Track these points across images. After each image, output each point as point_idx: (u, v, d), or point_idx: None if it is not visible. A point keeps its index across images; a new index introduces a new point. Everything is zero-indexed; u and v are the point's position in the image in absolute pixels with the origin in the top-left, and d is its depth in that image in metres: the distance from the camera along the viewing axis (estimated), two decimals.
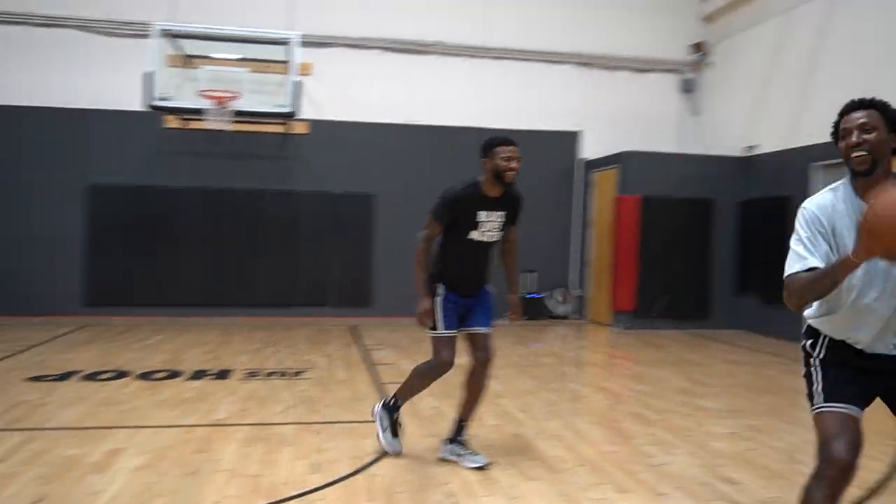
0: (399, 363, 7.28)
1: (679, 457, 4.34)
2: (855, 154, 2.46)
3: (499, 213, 4.22)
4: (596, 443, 4.60)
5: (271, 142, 10.87)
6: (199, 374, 6.48)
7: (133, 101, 9.82)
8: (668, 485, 3.83)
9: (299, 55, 9.56)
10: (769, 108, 10.24)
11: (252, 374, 6.54)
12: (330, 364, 7.16)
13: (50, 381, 6.08)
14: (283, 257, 10.74)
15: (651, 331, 10.13)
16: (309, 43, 10.44)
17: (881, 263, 2.37)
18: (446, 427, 4.86)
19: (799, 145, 9.39)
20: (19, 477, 3.74)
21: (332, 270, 10.85)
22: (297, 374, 6.63)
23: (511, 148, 4.19)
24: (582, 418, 5.23)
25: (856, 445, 2.41)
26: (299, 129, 10.84)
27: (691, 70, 12.09)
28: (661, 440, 4.69)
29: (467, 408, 4.26)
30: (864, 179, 2.44)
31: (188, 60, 10.24)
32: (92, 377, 6.26)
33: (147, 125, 10.39)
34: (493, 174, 4.16)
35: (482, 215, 4.16)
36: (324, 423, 4.97)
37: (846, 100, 2.68)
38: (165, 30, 9.28)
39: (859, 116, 2.52)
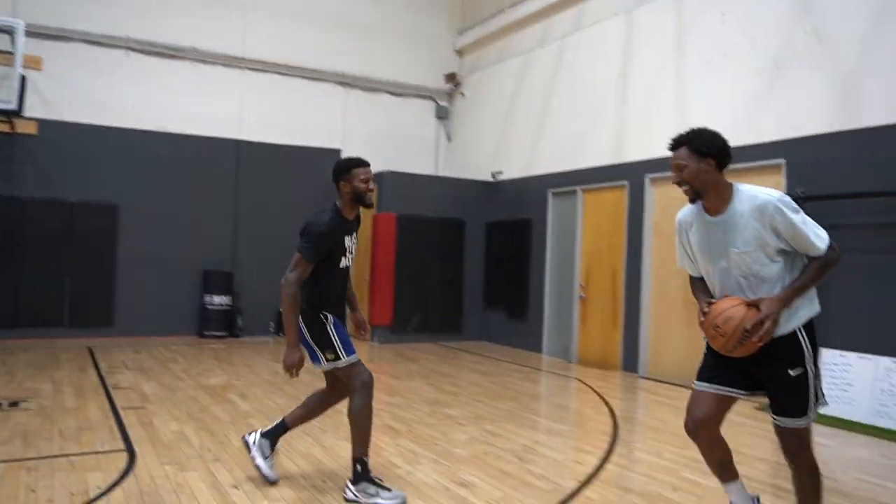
0: (140, 386, 6.75)
1: (423, 465, 4.54)
2: (682, 189, 3.02)
3: (355, 235, 4.12)
4: (343, 458, 4.64)
5: None
6: None
7: None
8: (409, 493, 3.98)
9: (26, 46, 8.57)
10: (512, 137, 11.24)
11: None
12: (56, 391, 6.40)
13: None
14: (3, 271, 9.44)
15: (407, 344, 10.52)
16: (39, 34, 9.45)
17: (732, 273, 3.01)
18: (187, 452, 4.64)
19: (537, 173, 10.41)
20: None
21: (67, 286, 9.77)
22: (14, 404, 5.84)
23: (367, 169, 4.04)
24: (333, 433, 5.25)
25: (706, 417, 3.04)
26: (27, 128, 9.63)
27: (445, 98, 12.86)
28: (408, 450, 4.88)
29: (300, 421, 4.23)
30: (703, 200, 3.03)
31: None
32: None
33: None
34: (352, 197, 3.99)
35: (347, 241, 4.03)
36: (42, 458, 4.43)
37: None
38: None
39: (673, 157, 3.05)
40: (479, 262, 11.46)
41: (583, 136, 9.59)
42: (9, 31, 8.59)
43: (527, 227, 10.46)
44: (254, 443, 4.09)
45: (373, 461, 4.11)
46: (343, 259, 4.02)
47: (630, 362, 8.50)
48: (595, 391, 7.39)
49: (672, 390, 7.50)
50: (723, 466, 3.16)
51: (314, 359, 3.99)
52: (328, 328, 3.92)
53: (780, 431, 2.98)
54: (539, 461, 4.73)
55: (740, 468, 3.29)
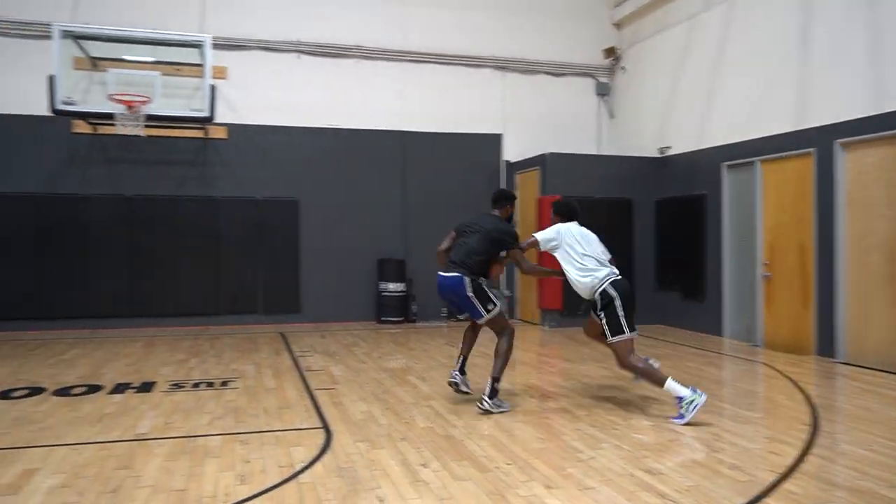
0: (329, 369, 7.22)
1: (605, 450, 4.47)
2: None
3: None
4: (525, 441, 4.68)
5: (189, 147, 10.59)
6: (120, 388, 6.24)
7: (37, 107, 9.40)
8: (593, 478, 3.94)
9: (213, 58, 9.36)
10: (679, 110, 10.68)
11: (177, 386, 6.35)
12: (258, 372, 7.02)
13: None
14: (206, 265, 10.48)
15: (578, 328, 10.33)
16: (223, 45, 10.26)
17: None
18: (377, 431, 4.88)
19: (709, 146, 9.83)
20: None
21: (259, 277, 10.66)
22: (224, 383, 6.48)
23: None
24: (512, 417, 5.31)
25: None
26: (218, 133, 10.61)
27: (605, 74, 12.47)
28: (588, 434, 4.82)
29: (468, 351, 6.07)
30: None
31: (96, 63, 9.86)
32: (3, 396, 5.94)
33: (54, 131, 9.96)
34: (507, 216, 6.19)
35: None
36: (251, 432, 4.87)
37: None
38: (67, 31, 8.91)
39: None
40: (649, 242, 11.04)
41: (759, 103, 8.91)
42: (198, 46, 9.45)
43: (700, 203, 9.93)
44: (491, 405, 5.38)
45: (552, 444, 4.38)
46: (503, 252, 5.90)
47: (825, 346, 7.81)
48: (787, 376, 6.88)
49: (877, 377, 6.82)
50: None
51: (476, 314, 5.59)
52: (486, 289, 5.59)
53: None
54: (729, 450, 4.49)
55: None
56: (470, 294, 5.49)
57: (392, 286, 10.87)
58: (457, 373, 5.87)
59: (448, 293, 5.63)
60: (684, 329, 10.19)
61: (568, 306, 10.56)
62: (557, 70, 12.23)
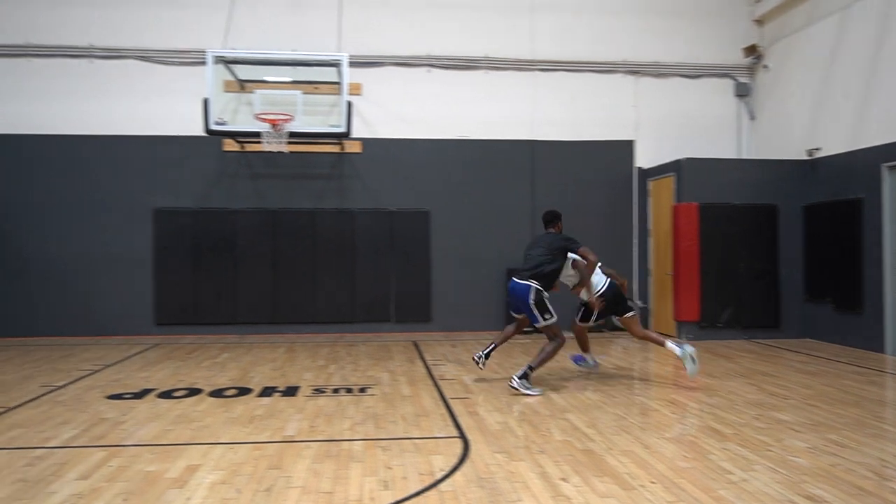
0: (462, 378, 7.27)
1: (758, 473, 4.20)
2: None
3: None
4: (669, 459, 4.49)
5: (326, 161, 11.07)
6: (267, 391, 6.60)
7: (193, 127, 10.18)
8: (748, 502, 3.71)
9: (349, 75, 9.73)
10: (830, 108, 9.94)
11: (318, 391, 6.62)
12: (393, 380, 7.20)
13: (128, 399, 6.28)
14: (341, 274, 10.89)
15: (718, 341, 9.89)
16: (358, 63, 10.64)
17: None
18: (514, 442, 4.85)
19: (866, 146, 9.08)
20: (103, 493, 3.86)
21: (392, 286, 10.95)
22: (362, 390, 6.69)
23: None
24: (652, 433, 5.11)
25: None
26: (353, 147, 11.02)
27: (746, 74, 11.83)
28: (738, 455, 4.55)
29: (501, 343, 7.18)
30: None
31: (243, 85, 10.55)
32: (167, 395, 6.44)
33: (207, 149, 10.74)
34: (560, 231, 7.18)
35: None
36: (391, 439, 4.99)
37: None
38: (219, 56, 9.55)
39: None
40: (797, 251, 10.33)
41: None
42: (335, 65, 9.86)
43: (856, 207, 9.17)
44: (519, 385, 6.41)
45: (699, 464, 4.21)
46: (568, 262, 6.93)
47: None
48: None
49: None
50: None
51: (534, 320, 6.62)
52: (546, 301, 6.60)
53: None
54: None
55: None
56: (531, 302, 6.57)
57: None
58: (482, 354, 6.86)
59: (515, 298, 6.79)
60: (836, 343, 9.44)
61: (706, 317, 10.10)
62: (693, 72, 11.74)
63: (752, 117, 11.79)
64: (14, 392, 6.57)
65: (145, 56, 10.87)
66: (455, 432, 5.15)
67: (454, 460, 4.47)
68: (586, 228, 11.21)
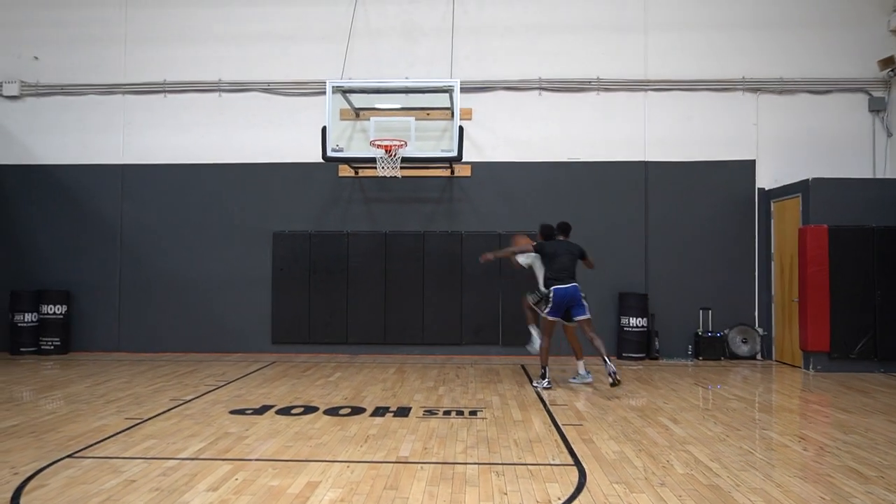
0: (573, 404, 7.12)
1: None
2: None
3: None
4: (805, 500, 4.18)
5: (436, 185, 11.23)
6: (380, 411, 6.70)
7: (310, 154, 10.61)
8: None
9: (460, 101, 9.86)
10: None
11: (430, 412, 6.66)
12: (504, 403, 7.13)
13: (249, 414, 6.55)
14: (451, 297, 10.96)
15: (851, 374, 9.19)
16: (469, 88, 10.78)
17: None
18: (632, 473, 4.67)
19: None
20: None
21: (499, 309, 10.91)
22: (473, 412, 6.67)
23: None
24: (783, 471, 4.79)
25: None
26: (463, 171, 11.14)
27: (881, 87, 11.06)
28: (886, 501, 4.18)
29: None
30: None
31: (358, 113, 10.92)
32: (285, 412, 6.67)
33: (323, 175, 11.15)
34: None
35: None
36: (505, 464, 4.92)
37: None
38: (337, 86, 9.93)
39: None
40: None
41: None
42: (448, 91, 10.03)
43: None
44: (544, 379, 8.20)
45: None
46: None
47: None
48: None
49: None
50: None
51: (584, 311, 8.23)
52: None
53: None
54: None
55: None
56: (582, 296, 8.18)
57: (633, 321, 10.50)
58: (612, 371, 7.68)
59: (570, 298, 8.09)
60: None
61: (837, 348, 9.41)
62: (820, 87, 11.10)
63: (890, 134, 10.99)
64: (147, 404, 7.00)
65: (268, 88, 11.48)
66: (570, 460, 5.02)
67: (571, 489, 4.36)
68: (705, 250, 10.84)
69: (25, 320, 10.97)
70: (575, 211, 10.99)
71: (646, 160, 11.08)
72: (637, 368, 9.84)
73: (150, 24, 11.61)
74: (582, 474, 4.66)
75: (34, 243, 11.46)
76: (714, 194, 10.94)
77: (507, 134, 11.28)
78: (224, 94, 11.55)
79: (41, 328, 10.98)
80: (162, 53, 11.59)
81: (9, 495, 4.20)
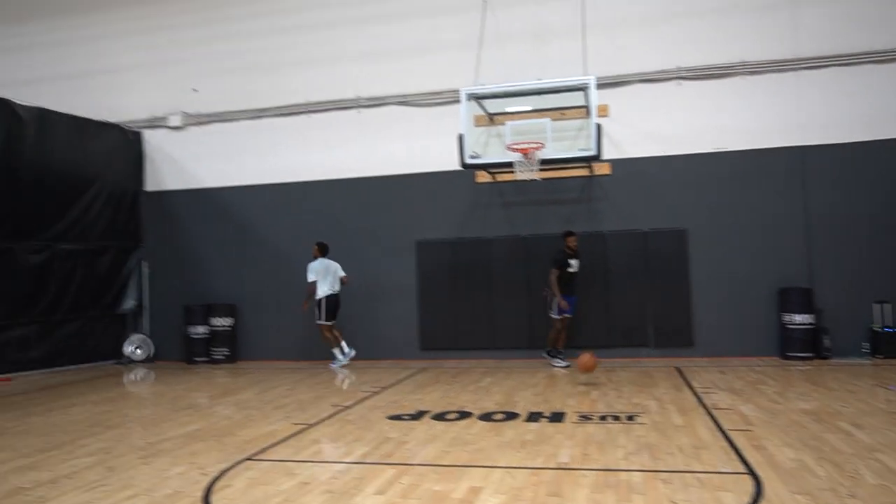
0: (737, 408, 6.73)
1: None
2: None
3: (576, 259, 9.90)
4: None
5: (575, 185, 11.06)
6: (534, 417, 6.66)
7: (447, 163, 10.80)
8: None
9: (596, 98, 9.64)
10: None
11: (585, 418, 6.53)
12: (662, 408, 6.87)
13: (406, 420, 6.73)
14: (596, 298, 10.73)
15: None
16: (603, 84, 10.52)
17: None
18: (816, 483, 4.34)
19: None
20: None
21: (649, 310, 10.56)
22: (630, 417, 6.47)
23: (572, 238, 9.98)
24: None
25: None
26: (602, 169, 10.89)
27: None
28: None
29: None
30: None
31: (492, 118, 10.96)
32: (440, 417, 6.79)
33: (462, 183, 11.30)
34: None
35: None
36: (671, 471, 4.72)
37: None
38: (472, 93, 10.02)
39: None
40: None
41: None
42: (583, 89, 9.84)
43: None
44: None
45: None
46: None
47: None
48: None
49: None
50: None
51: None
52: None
53: None
54: None
55: None
56: None
57: (798, 318, 9.79)
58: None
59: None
60: None
61: None
62: None
63: None
64: (311, 410, 7.38)
65: (404, 101, 11.81)
66: (742, 468, 4.74)
67: (746, 499, 4.11)
68: (876, 238, 9.90)
69: (198, 332, 11.94)
70: (725, 203, 10.47)
71: (802, 144, 10.32)
72: (806, 369, 9.16)
73: (292, 50, 12.30)
74: (757, 483, 4.38)
75: (203, 261, 12.45)
76: (886, 176, 9.98)
77: (646, 128, 10.91)
78: (363, 110, 12.02)
79: (212, 339, 11.91)
80: (304, 76, 12.23)
81: (199, 494, 4.55)
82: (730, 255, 10.37)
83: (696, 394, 7.57)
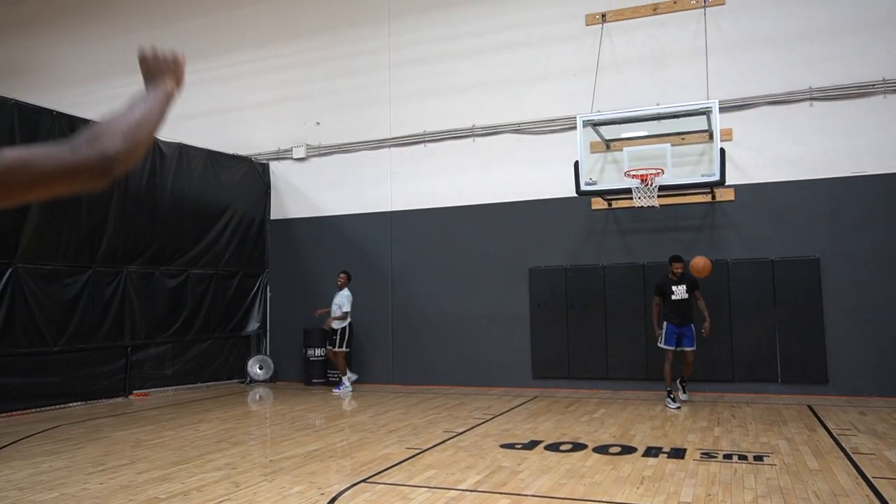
0: (882, 453, 6.17)
1: None
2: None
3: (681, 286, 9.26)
4: None
5: (696, 212, 10.66)
6: (652, 451, 6.39)
7: (562, 189, 10.71)
8: None
9: (719, 121, 9.29)
10: None
11: (708, 455, 6.20)
12: (793, 449, 6.40)
13: (519, 449, 6.64)
14: (718, 329, 10.16)
15: None
16: (727, 107, 10.15)
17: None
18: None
19: None
20: None
21: (776, 343, 9.93)
22: (757, 458, 6.08)
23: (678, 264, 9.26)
24: None
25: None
26: (725, 195, 10.45)
27: None
28: None
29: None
30: None
31: (608, 145, 10.79)
32: (553, 447, 6.65)
33: (576, 209, 11.15)
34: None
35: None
36: None
37: None
38: (588, 120, 9.92)
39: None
40: None
41: None
42: (705, 113, 9.53)
43: None
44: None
45: None
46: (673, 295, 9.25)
47: None
48: None
49: None
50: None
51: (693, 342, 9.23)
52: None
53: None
54: None
55: None
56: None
57: None
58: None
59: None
60: None
61: None
62: None
63: None
64: (424, 435, 7.43)
65: (519, 129, 11.85)
66: None
67: None
68: None
69: (316, 355, 12.36)
70: (862, 231, 9.75)
71: None
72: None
73: (410, 82, 12.66)
74: None
75: (323, 286, 12.91)
76: None
77: (773, 152, 10.37)
78: (477, 139, 12.15)
79: (328, 362, 12.28)
80: (420, 107, 12.55)
81: None
82: (869, 286, 9.61)
83: (832, 435, 7.01)
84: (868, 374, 9.48)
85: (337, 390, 11.32)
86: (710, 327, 9.17)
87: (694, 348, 9.22)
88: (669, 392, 9.15)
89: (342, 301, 11.31)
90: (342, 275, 11.51)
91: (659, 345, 9.36)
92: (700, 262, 9.07)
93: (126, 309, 10.88)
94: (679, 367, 9.50)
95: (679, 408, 8.90)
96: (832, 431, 7.21)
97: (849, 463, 5.84)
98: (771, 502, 4.76)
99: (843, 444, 6.56)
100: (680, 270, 9.26)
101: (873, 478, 5.33)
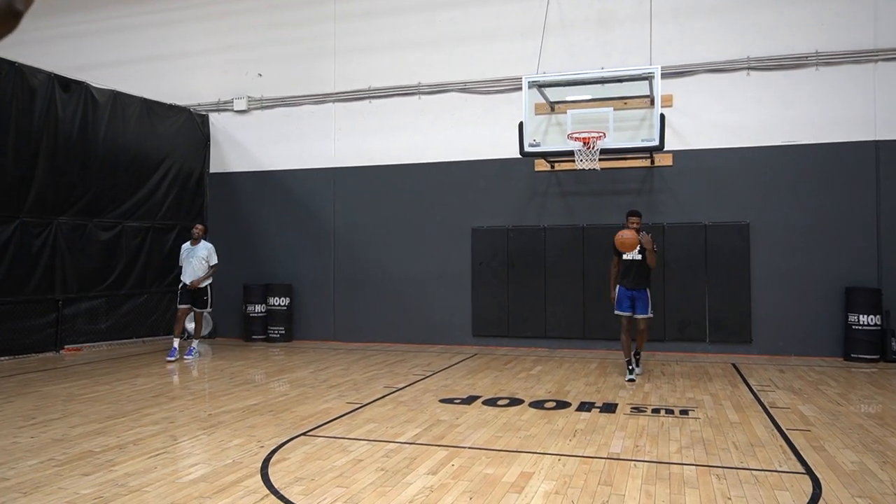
0: (797, 407, 6.56)
1: None
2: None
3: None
4: None
5: (636, 176, 10.90)
6: (585, 406, 6.64)
7: (506, 151, 10.78)
8: None
9: (661, 87, 9.46)
10: None
11: (637, 410, 6.48)
12: (717, 404, 6.75)
13: (458, 403, 6.79)
14: (652, 291, 10.54)
15: None
16: (668, 74, 10.32)
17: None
18: (878, 487, 4.22)
19: None
20: (451, 490, 4.19)
21: (706, 305, 10.35)
22: (683, 412, 6.38)
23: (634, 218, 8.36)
24: None
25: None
26: (664, 161, 10.70)
27: None
28: None
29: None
30: None
31: (553, 107, 10.88)
32: (491, 402, 6.84)
33: (520, 171, 11.25)
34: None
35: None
36: (726, 467, 4.65)
37: None
38: (533, 81, 9.94)
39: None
40: None
41: None
42: (647, 78, 9.67)
43: None
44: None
45: None
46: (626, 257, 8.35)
47: None
48: None
49: None
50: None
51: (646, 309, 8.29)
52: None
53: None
54: None
55: None
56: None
57: (864, 318, 9.45)
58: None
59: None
60: None
61: None
62: None
63: None
64: (364, 391, 7.51)
65: (465, 88, 11.81)
66: (800, 468, 4.64)
67: (804, 499, 4.03)
68: None
69: (256, 311, 12.26)
70: (792, 198, 10.17)
71: (877, 139, 9.92)
72: (870, 371, 8.85)
73: (356, 36, 12.43)
74: (816, 484, 4.28)
75: (263, 241, 12.76)
76: None
77: (712, 119, 10.65)
78: (423, 97, 12.06)
79: (269, 318, 12.21)
80: (367, 62, 12.35)
81: (257, 465, 4.71)
82: (795, 252, 10.07)
83: (752, 391, 7.42)
84: (789, 334, 10.00)
85: (189, 356, 10.14)
86: (651, 241, 7.98)
87: (647, 315, 8.16)
88: (628, 363, 8.15)
89: (206, 254, 10.17)
90: (199, 226, 10.39)
91: (616, 312, 8.31)
92: (627, 238, 7.94)
93: (57, 261, 10.52)
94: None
95: (633, 381, 7.92)
96: (753, 387, 7.62)
97: (766, 416, 6.20)
98: (694, 452, 5.03)
99: (762, 399, 6.95)
100: (636, 225, 8.10)
101: (787, 429, 5.68)
